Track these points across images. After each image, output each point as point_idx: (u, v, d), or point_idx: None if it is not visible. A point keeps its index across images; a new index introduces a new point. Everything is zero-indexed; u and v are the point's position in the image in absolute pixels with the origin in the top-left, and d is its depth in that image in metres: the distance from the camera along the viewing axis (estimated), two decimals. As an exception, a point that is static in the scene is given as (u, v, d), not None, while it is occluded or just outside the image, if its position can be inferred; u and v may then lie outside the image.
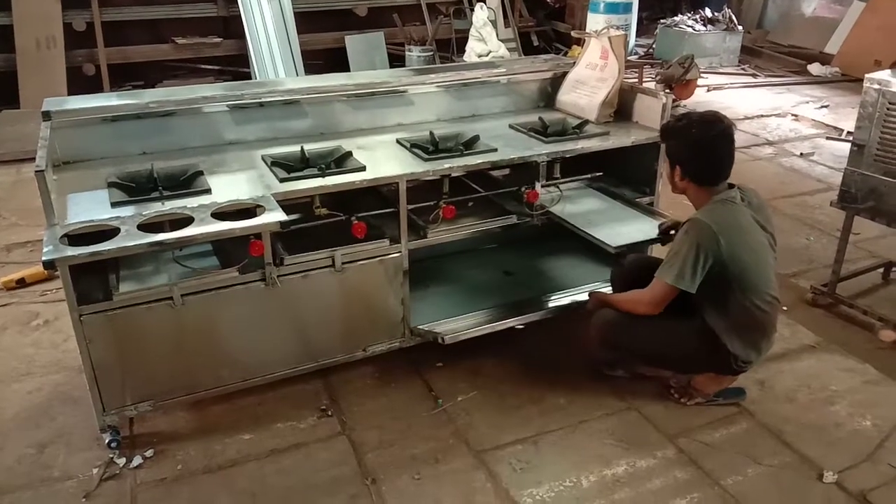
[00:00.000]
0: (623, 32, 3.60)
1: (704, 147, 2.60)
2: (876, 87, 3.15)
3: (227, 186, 2.65)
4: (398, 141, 3.12)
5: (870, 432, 2.75)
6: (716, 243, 2.50)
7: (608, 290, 3.08)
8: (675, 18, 9.24)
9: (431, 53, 7.52)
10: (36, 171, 2.29)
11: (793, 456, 2.63)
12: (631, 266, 3.04)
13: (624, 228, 3.03)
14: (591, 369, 3.06)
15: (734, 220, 2.57)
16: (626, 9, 8.55)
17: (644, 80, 7.65)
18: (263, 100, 3.13)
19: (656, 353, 2.80)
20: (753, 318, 2.65)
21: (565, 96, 3.61)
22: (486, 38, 7.38)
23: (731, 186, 2.67)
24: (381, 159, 2.92)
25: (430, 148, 3.02)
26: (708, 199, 2.61)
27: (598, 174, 3.30)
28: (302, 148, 2.91)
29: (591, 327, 2.85)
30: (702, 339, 2.67)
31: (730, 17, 8.96)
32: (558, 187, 3.28)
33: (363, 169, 2.78)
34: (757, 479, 2.52)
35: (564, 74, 3.65)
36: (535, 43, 8.84)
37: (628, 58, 8.42)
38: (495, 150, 3.00)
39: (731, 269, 2.53)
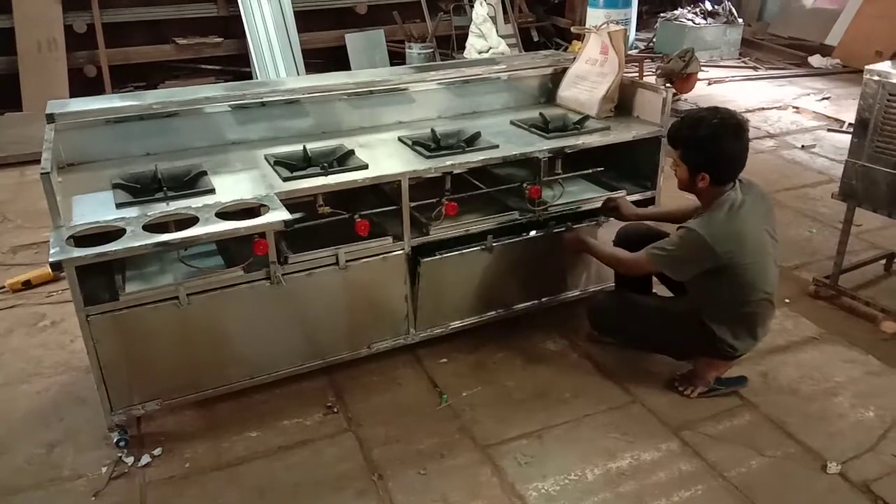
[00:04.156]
0: (623, 27, 3.61)
1: (737, 152, 2.58)
2: (876, 78, 3.15)
3: (231, 186, 2.66)
4: (400, 139, 3.13)
5: (873, 423, 2.76)
6: (708, 253, 2.55)
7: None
8: (675, 12, 9.23)
9: (431, 50, 7.53)
10: (41, 174, 2.31)
11: (796, 447, 2.64)
12: (631, 233, 3.11)
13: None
14: (588, 337, 3.21)
15: (732, 228, 2.58)
16: (626, 3, 8.56)
17: (644, 74, 7.64)
18: (265, 99, 3.14)
19: (649, 337, 2.91)
20: (744, 312, 2.72)
21: (566, 92, 3.61)
22: (486, 35, 7.38)
23: None
24: (383, 157, 2.94)
25: (431, 145, 3.03)
26: (715, 198, 2.62)
27: (599, 169, 3.31)
28: (304, 147, 2.92)
29: (587, 312, 3.04)
30: (691, 323, 2.75)
31: (730, 10, 8.95)
32: (560, 183, 3.29)
33: (365, 167, 2.79)
34: (761, 471, 2.53)
35: (565, 70, 3.66)
36: (535, 38, 8.84)
37: (628, 52, 8.42)
38: (497, 146, 3.01)
39: (728, 271, 2.60)
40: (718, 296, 2.67)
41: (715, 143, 2.54)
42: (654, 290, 3.26)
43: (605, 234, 3.22)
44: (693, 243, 2.58)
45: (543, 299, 3.30)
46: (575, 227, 3.15)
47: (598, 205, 3.19)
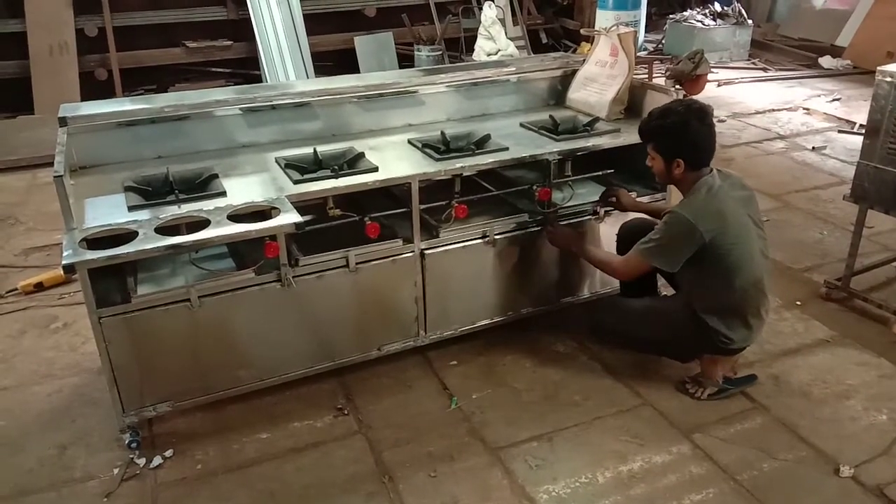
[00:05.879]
0: (632, 29, 3.60)
1: (705, 135, 2.68)
2: (888, 79, 3.13)
3: (242, 189, 2.67)
4: (409, 141, 3.14)
5: (886, 426, 2.74)
6: (692, 231, 2.60)
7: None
8: (685, 13, 9.21)
9: (440, 53, 7.54)
10: (54, 177, 2.32)
11: (808, 450, 2.63)
12: (634, 227, 3.11)
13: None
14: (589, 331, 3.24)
15: (714, 208, 2.65)
16: (635, 5, 8.55)
17: (654, 76, 7.63)
18: (275, 102, 3.15)
19: (647, 339, 2.91)
20: (732, 299, 2.73)
21: (575, 94, 3.61)
22: (494, 37, 7.40)
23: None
24: (393, 160, 2.94)
25: (441, 148, 3.04)
26: (693, 182, 2.69)
27: (609, 171, 3.30)
28: (315, 149, 2.93)
29: (587, 316, 3.13)
30: (685, 319, 2.77)
31: (739, 12, 8.92)
32: (570, 185, 3.29)
33: (376, 170, 2.80)
34: (772, 474, 2.52)
35: (574, 72, 3.66)
36: (544, 40, 8.84)
37: (638, 54, 8.40)
38: (506, 149, 3.01)
39: (712, 253, 2.63)
40: (705, 283, 2.71)
41: (684, 127, 2.65)
42: (663, 293, 3.26)
43: (607, 230, 3.23)
44: (677, 225, 2.64)
45: (553, 303, 3.30)
46: (563, 223, 3.13)
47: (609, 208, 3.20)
